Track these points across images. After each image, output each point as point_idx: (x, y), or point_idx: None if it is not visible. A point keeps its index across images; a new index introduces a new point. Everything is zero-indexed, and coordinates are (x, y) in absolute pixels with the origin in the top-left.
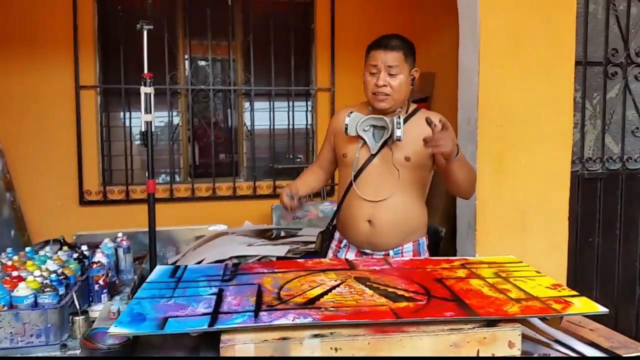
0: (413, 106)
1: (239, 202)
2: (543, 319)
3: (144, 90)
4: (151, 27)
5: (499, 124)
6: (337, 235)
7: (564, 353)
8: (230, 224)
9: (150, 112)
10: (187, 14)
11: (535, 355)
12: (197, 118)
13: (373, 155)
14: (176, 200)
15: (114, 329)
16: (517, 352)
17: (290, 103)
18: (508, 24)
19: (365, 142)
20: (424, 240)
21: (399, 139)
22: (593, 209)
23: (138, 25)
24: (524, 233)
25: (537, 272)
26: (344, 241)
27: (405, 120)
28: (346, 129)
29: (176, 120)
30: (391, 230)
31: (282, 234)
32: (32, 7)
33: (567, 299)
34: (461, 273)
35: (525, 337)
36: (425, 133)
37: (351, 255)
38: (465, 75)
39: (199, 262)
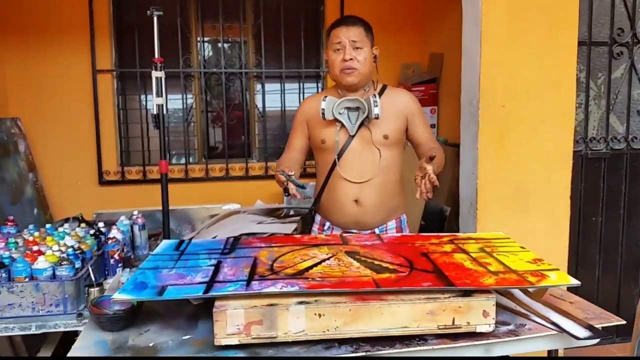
0: (380, 84)
1: (251, 182)
2: (525, 292)
3: (155, 74)
4: (161, 12)
5: (501, 105)
6: (318, 218)
7: (539, 323)
8: (243, 203)
9: (162, 96)
10: None
11: (512, 325)
12: (210, 100)
13: (352, 137)
14: (191, 181)
15: (117, 295)
16: (491, 321)
17: (301, 85)
18: (510, 4)
19: (342, 125)
20: (404, 217)
21: (377, 117)
22: (596, 189)
23: (148, 11)
24: (525, 212)
25: (522, 247)
26: (327, 223)
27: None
28: (323, 113)
29: (190, 102)
30: (377, 208)
31: (292, 212)
32: None
33: (544, 272)
34: (447, 248)
35: (504, 308)
36: (398, 109)
37: None
38: (467, 57)
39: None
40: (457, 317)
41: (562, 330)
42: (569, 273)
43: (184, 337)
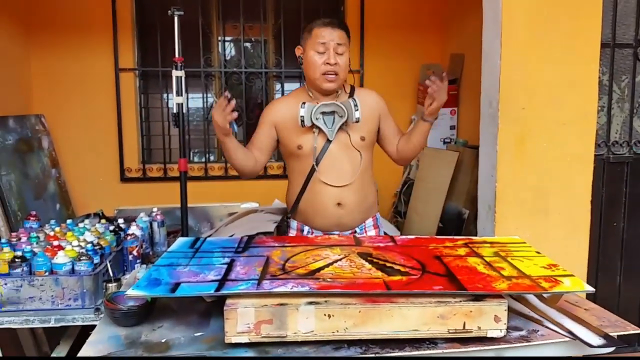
0: (348, 85)
1: (269, 181)
2: (540, 298)
3: (175, 73)
4: (182, 12)
5: (521, 107)
6: (294, 224)
7: (552, 329)
8: (262, 202)
9: (182, 95)
10: None
11: (524, 331)
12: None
13: (329, 141)
14: (210, 179)
15: (131, 291)
16: (503, 326)
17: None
18: (531, 5)
19: (320, 130)
20: (378, 214)
21: (357, 121)
22: (619, 194)
23: (169, 11)
24: (544, 216)
25: (537, 252)
26: (306, 228)
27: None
28: (302, 120)
29: (211, 102)
30: (358, 209)
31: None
32: None
33: (558, 278)
34: (461, 251)
35: (518, 313)
36: (369, 110)
37: None
38: (487, 58)
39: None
40: (468, 321)
41: (575, 337)
42: (588, 279)
43: (195, 334)
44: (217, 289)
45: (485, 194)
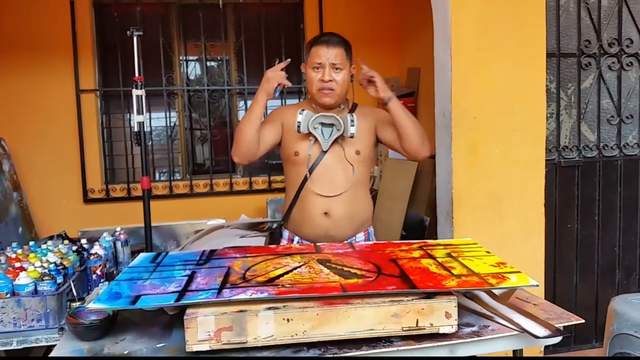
0: (351, 101)
1: (235, 197)
2: (491, 295)
3: (135, 92)
4: (141, 33)
5: (473, 116)
6: (286, 233)
7: (502, 324)
8: (228, 218)
9: (142, 113)
10: (180, 17)
11: (475, 327)
12: (194, 117)
13: (324, 152)
14: (176, 197)
15: (92, 305)
16: (454, 322)
17: (283, 101)
18: (478, 17)
19: (316, 139)
20: (372, 229)
21: (352, 136)
22: (571, 196)
23: (128, 31)
24: (500, 220)
25: (487, 252)
26: (296, 238)
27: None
28: (299, 126)
29: (174, 120)
30: (347, 221)
31: (275, 225)
32: (32, 15)
33: (505, 274)
34: (416, 254)
35: (470, 311)
36: (367, 125)
37: None
38: (439, 69)
39: None
40: (421, 318)
41: (522, 330)
42: (546, 279)
43: (157, 345)
44: (177, 299)
45: (443, 201)
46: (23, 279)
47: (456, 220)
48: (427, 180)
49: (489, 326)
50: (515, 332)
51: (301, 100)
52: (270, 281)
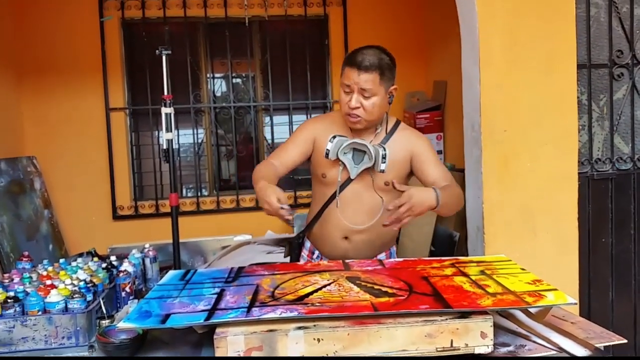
0: (392, 120)
1: (262, 212)
2: (527, 313)
3: (164, 110)
4: (169, 52)
5: (503, 129)
6: (308, 244)
7: (539, 344)
8: (254, 234)
9: (171, 131)
10: (207, 36)
11: (512, 346)
12: (220, 133)
13: (350, 179)
14: (203, 213)
15: (122, 324)
16: (489, 342)
17: (308, 116)
18: (507, 28)
19: (344, 165)
20: (394, 249)
21: (382, 172)
22: (605, 210)
23: (157, 50)
24: (532, 235)
25: (522, 269)
26: (316, 252)
27: (386, 140)
28: (327, 154)
29: (201, 137)
30: (367, 247)
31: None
32: (62, 36)
33: (542, 292)
34: (448, 271)
35: (506, 330)
36: (404, 155)
37: None
38: (467, 82)
39: None
40: (455, 339)
41: (561, 350)
42: (580, 296)
43: None
44: (207, 318)
45: (473, 216)
46: (54, 296)
47: (487, 236)
48: None
49: (525, 346)
50: (553, 352)
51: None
52: (300, 299)
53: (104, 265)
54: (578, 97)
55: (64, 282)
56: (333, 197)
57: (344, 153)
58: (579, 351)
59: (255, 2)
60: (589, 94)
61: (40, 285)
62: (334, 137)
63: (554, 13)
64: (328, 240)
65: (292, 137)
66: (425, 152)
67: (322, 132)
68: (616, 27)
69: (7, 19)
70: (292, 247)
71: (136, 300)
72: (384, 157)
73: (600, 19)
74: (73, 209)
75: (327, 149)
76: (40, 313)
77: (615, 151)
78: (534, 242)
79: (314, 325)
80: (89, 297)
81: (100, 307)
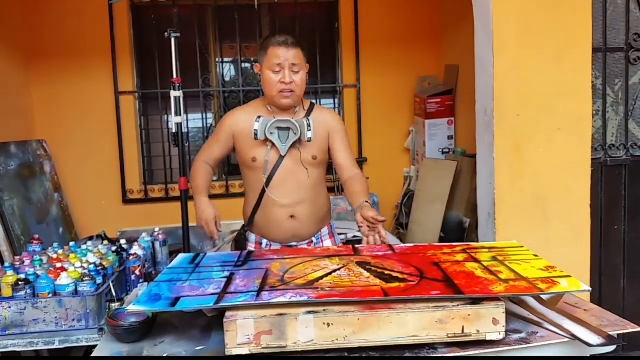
0: (307, 102)
1: None
2: (539, 300)
3: (173, 94)
4: (178, 35)
5: (516, 114)
6: (253, 237)
7: (552, 331)
8: None
9: (180, 115)
10: (216, 19)
11: (524, 333)
12: None
13: (282, 157)
14: (212, 197)
15: (132, 307)
16: (501, 329)
17: (318, 100)
18: (521, 12)
19: (273, 144)
20: (333, 223)
21: (309, 140)
22: (618, 196)
23: (166, 33)
24: (544, 221)
25: (535, 255)
26: (264, 241)
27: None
28: (256, 134)
29: (210, 121)
30: (312, 221)
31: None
32: (71, 19)
33: (555, 279)
34: (459, 257)
35: (518, 316)
36: (323, 130)
37: None
38: (480, 66)
39: None
40: (467, 325)
41: (574, 337)
42: (591, 282)
43: (197, 348)
44: (217, 302)
45: (484, 202)
46: (64, 279)
47: (499, 222)
48: (467, 180)
49: (537, 333)
50: (566, 339)
51: (340, 102)
52: (310, 284)
53: (113, 248)
54: (592, 82)
55: (74, 265)
56: (268, 180)
57: (270, 133)
58: (592, 338)
59: None
60: (604, 78)
61: (51, 268)
62: (259, 117)
63: None
64: (274, 223)
65: (214, 134)
66: (340, 132)
67: (242, 121)
68: (634, 9)
69: (16, 2)
70: (239, 245)
71: (146, 284)
72: (308, 126)
73: (617, 1)
74: (83, 192)
75: (255, 129)
76: (50, 295)
77: (630, 137)
78: (545, 228)
79: (324, 310)
80: (99, 280)
81: (110, 290)
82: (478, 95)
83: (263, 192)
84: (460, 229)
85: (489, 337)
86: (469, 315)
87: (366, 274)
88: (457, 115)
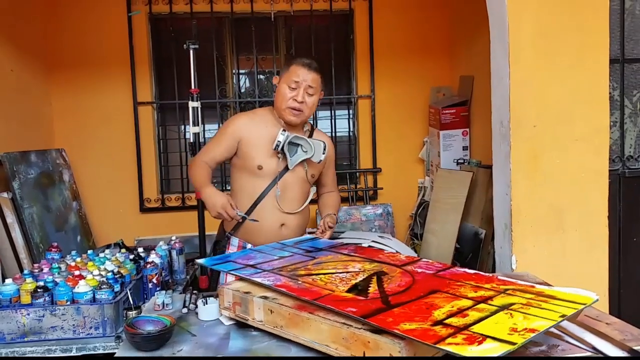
0: (308, 124)
1: None
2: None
3: (191, 104)
4: (197, 46)
5: (532, 125)
6: (235, 241)
7: (573, 344)
8: None
9: (198, 125)
10: (233, 31)
11: (544, 346)
12: None
13: (285, 169)
14: None
15: (199, 260)
16: None
17: (333, 111)
18: (537, 22)
19: (284, 157)
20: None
21: (319, 162)
22: (636, 208)
23: (185, 45)
24: (561, 233)
25: (562, 316)
26: (248, 245)
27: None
28: (277, 146)
29: None
30: (298, 231)
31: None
32: (90, 30)
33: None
34: (472, 293)
35: None
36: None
37: None
38: (496, 77)
39: None
40: (368, 352)
41: (597, 351)
42: (610, 295)
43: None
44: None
45: (500, 213)
46: (82, 287)
47: (515, 233)
48: (483, 191)
49: (558, 345)
50: (588, 353)
51: (355, 113)
52: (301, 276)
53: (131, 256)
54: (610, 93)
55: (92, 272)
56: (269, 187)
57: (287, 145)
58: (614, 352)
59: None
60: (622, 89)
61: (69, 276)
62: (284, 130)
63: (586, 6)
64: (265, 229)
65: (218, 134)
66: (332, 157)
67: (250, 127)
68: None
69: (38, 14)
70: (218, 247)
71: (164, 292)
72: (324, 150)
73: (636, 11)
74: (101, 201)
75: (278, 141)
76: (68, 303)
77: None
78: (562, 240)
79: (274, 298)
80: (117, 288)
81: (128, 298)
82: (494, 106)
83: (260, 198)
84: (476, 239)
85: None
86: (369, 342)
87: (354, 281)
88: (472, 126)
